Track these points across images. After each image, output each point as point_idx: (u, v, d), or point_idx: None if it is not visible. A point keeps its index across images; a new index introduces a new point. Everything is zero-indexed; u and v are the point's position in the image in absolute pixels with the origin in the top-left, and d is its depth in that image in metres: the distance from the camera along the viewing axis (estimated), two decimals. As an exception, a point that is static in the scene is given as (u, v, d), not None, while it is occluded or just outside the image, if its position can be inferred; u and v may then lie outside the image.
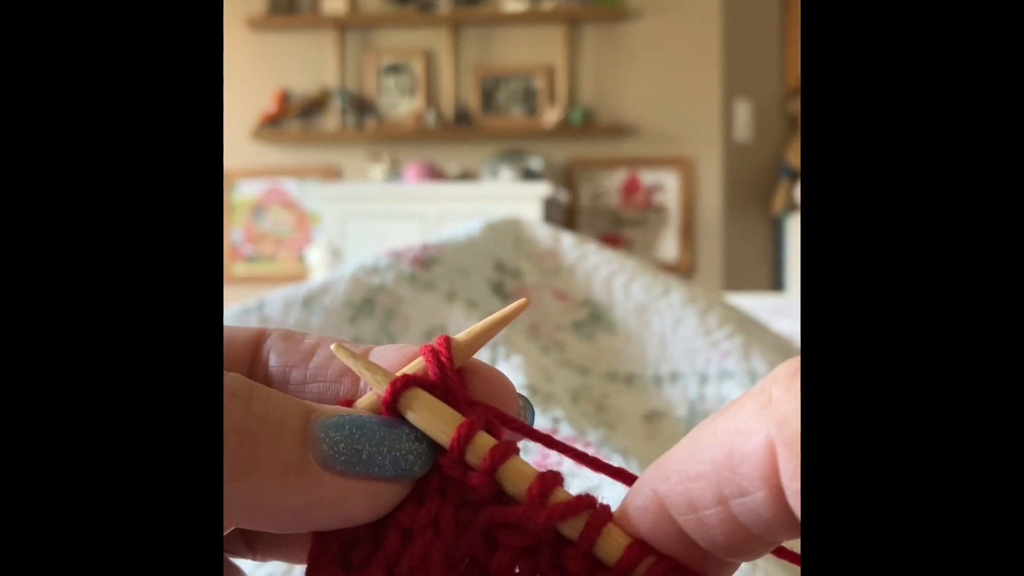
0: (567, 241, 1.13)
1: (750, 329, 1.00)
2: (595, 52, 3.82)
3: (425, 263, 0.98)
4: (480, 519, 0.24)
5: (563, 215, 3.79)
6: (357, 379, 0.26)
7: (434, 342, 0.26)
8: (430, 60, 3.91)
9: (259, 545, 0.27)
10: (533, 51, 3.85)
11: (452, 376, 0.25)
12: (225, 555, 0.25)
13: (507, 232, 1.13)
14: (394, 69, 3.93)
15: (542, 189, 3.37)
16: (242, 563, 0.27)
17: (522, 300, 0.26)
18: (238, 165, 3.91)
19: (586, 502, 0.23)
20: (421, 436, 0.24)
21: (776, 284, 3.87)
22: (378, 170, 3.80)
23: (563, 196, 3.68)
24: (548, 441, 0.26)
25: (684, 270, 3.74)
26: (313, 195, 3.86)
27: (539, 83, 3.85)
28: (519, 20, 3.82)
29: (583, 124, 3.77)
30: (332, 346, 0.26)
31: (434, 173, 3.71)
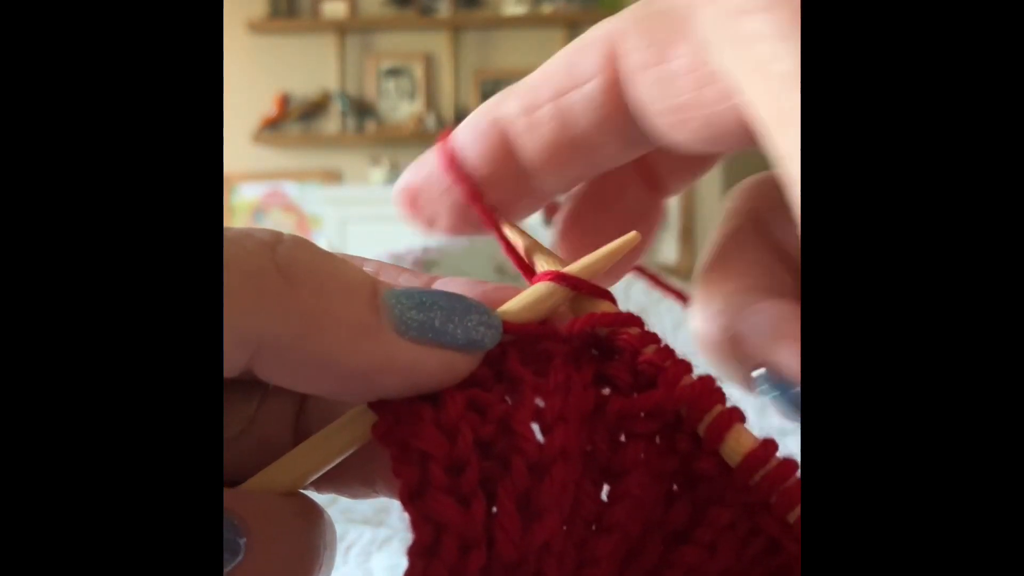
0: (567, 244, 1.13)
1: (750, 331, 1.00)
2: (595, 55, 3.82)
3: (425, 265, 0.98)
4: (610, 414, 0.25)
5: (563, 218, 3.79)
6: None
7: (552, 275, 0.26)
8: (430, 63, 3.91)
9: (377, 478, 0.26)
10: (533, 54, 3.85)
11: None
12: (308, 495, 0.24)
13: (507, 235, 1.13)
14: (394, 72, 3.94)
15: (542, 192, 3.37)
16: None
17: (633, 233, 0.27)
18: (239, 168, 3.91)
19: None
20: (490, 311, 0.24)
21: (776, 287, 3.87)
22: (378, 173, 3.81)
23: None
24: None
25: (684, 272, 3.74)
26: (313, 198, 3.86)
27: (539, 86, 3.86)
28: (519, 23, 3.83)
29: (583, 127, 3.78)
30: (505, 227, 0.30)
31: (434, 176, 3.72)
